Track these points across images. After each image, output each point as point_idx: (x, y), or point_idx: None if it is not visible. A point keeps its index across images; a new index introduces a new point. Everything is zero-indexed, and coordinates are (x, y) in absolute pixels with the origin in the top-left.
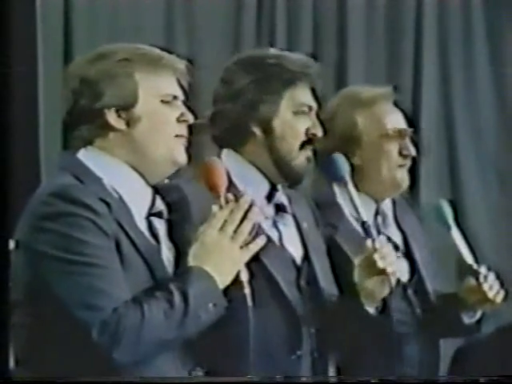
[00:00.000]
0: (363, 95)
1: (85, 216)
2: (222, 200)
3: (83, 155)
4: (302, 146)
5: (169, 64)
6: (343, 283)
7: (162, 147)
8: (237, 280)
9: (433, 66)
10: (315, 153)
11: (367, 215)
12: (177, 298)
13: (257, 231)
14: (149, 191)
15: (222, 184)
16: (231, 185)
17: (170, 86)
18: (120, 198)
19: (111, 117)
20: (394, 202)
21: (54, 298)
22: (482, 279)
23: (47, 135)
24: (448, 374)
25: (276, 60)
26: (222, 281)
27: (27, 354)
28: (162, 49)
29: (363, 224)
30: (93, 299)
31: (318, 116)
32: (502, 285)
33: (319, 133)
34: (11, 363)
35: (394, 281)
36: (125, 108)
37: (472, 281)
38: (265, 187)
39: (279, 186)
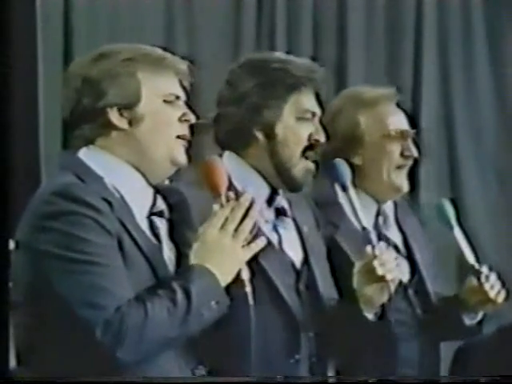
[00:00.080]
0: (366, 95)
1: (87, 215)
2: (223, 199)
3: (84, 154)
4: (305, 151)
5: (171, 64)
6: (343, 286)
7: (163, 147)
8: (238, 278)
9: (433, 65)
10: (317, 165)
11: (368, 215)
12: (179, 296)
13: (257, 233)
14: (150, 191)
15: (223, 183)
16: (231, 187)
17: (172, 85)
18: (121, 197)
19: (114, 116)
20: (395, 204)
21: (56, 297)
22: (483, 279)
23: (47, 135)
24: (449, 373)
25: (281, 64)
26: (224, 279)
27: (29, 353)
28: (164, 49)
29: (363, 230)
30: (95, 298)
31: (321, 122)
32: (503, 285)
33: (322, 139)
34: (12, 363)
35: (393, 288)
36: (127, 107)
37: (473, 281)
38: (265, 191)
39: (280, 190)
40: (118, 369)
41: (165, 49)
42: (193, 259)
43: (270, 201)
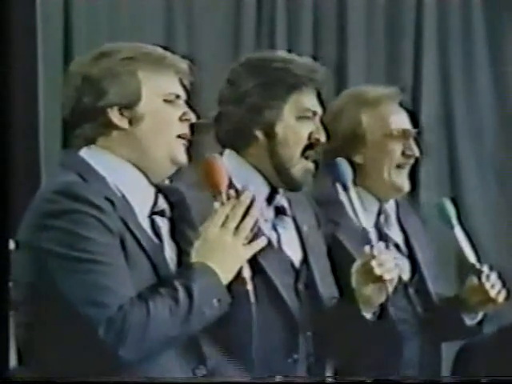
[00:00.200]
0: (369, 95)
1: (89, 213)
2: (224, 196)
3: (86, 154)
4: (305, 150)
5: (172, 63)
6: (344, 284)
7: (163, 146)
8: (239, 277)
9: (433, 65)
10: (317, 165)
11: (370, 214)
12: (181, 294)
13: (257, 231)
14: (151, 190)
15: (223, 181)
16: (231, 186)
17: (172, 85)
18: (123, 196)
19: (114, 115)
20: (397, 203)
21: (58, 296)
22: (484, 278)
23: (47, 135)
24: (451, 373)
25: (282, 64)
26: (225, 277)
27: (30, 353)
28: (164, 48)
29: (363, 230)
30: (98, 296)
31: (322, 121)
32: (503, 284)
33: (322, 138)
34: (13, 363)
35: (391, 288)
36: (128, 106)
37: (474, 280)
38: (265, 190)
39: (280, 189)
40: (120, 367)
41: (165, 48)
42: (194, 257)
43: (269, 199)
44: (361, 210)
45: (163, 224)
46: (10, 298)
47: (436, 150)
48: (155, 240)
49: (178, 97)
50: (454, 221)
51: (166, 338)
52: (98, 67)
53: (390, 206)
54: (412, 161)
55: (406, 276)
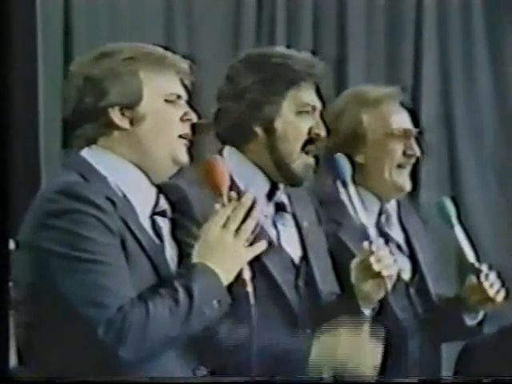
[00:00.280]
0: (370, 94)
1: (90, 213)
2: (225, 198)
3: (87, 154)
4: (305, 145)
5: (173, 63)
6: (345, 281)
7: (165, 146)
8: (239, 278)
9: (433, 65)
10: (317, 160)
11: (371, 214)
12: (181, 294)
13: (258, 233)
14: (153, 190)
15: (224, 183)
16: (233, 184)
17: (173, 85)
18: (124, 196)
19: (115, 115)
20: (398, 203)
21: (58, 296)
22: (483, 278)
23: (47, 135)
24: (453, 373)
25: (281, 59)
26: (226, 278)
27: (31, 353)
28: (164, 48)
29: (361, 225)
30: (98, 297)
31: (322, 116)
32: (502, 284)
33: (322, 133)
34: (13, 363)
35: (390, 284)
36: (129, 106)
37: (473, 279)
38: (265, 185)
39: (280, 185)
40: (120, 367)
41: (165, 48)
42: (195, 257)
43: (270, 195)
44: (360, 206)
45: (164, 224)
46: (9, 298)
47: (436, 150)
48: (156, 240)
49: (179, 97)
50: (454, 220)
51: (166, 338)
52: (99, 67)
53: (392, 206)
54: (413, 160)
55: (406, 276)
